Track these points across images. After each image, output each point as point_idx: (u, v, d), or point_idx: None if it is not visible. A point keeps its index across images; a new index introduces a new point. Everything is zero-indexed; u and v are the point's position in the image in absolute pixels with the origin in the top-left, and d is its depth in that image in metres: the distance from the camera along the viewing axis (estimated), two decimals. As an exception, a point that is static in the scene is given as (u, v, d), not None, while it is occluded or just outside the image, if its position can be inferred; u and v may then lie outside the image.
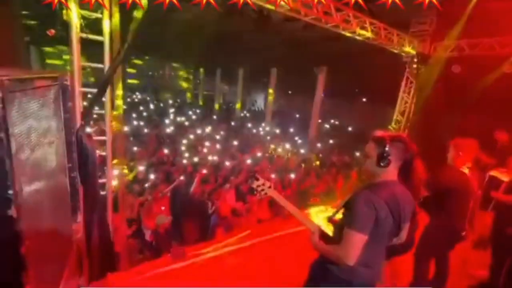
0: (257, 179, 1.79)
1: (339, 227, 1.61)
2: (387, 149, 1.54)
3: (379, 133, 1.65)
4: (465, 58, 5.77)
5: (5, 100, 0.72)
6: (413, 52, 6.44)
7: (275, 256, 3.45)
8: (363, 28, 5.18)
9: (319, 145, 10.81)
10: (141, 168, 5.67)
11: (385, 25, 5.62)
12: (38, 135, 0.95)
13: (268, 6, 4.15)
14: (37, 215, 0.99)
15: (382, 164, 1.56)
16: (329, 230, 1.75)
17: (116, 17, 2.80)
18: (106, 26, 2.77)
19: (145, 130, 9.37)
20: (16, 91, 0.81)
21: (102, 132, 3.09)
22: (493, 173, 3.36)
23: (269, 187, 1.80)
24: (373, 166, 1.61)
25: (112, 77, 2.75)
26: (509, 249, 2.77)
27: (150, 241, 4.53)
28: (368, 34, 5.32)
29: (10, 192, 0.73)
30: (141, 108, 14.24)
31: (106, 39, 2.80)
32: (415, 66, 6.64)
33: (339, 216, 1.68)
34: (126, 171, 3.87)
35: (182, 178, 5.51)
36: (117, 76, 2.98)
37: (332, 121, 17.14)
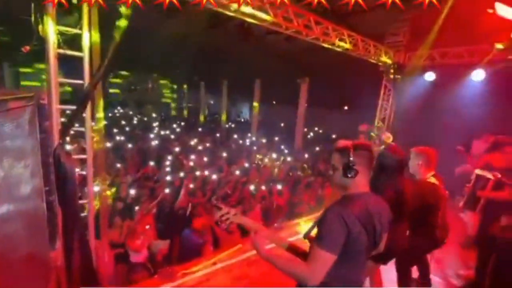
0: (220, 209, 1.68)
1: (312, 244, 1.50)
2: (351, 158, 1.47)
3: (342, 143, 1.57)
4: (437, 66, 6.11)
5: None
6: (390, 61, 6.75)
7: (270, 270, 3.37)
8: (341, 40, 5.38)
9: (306, 155, 10.92)
10: (125, 185, 5.45)
11: (362, 37, 5.87)
12: (11, 158, 0.88)
13: (249, 19, 4.24)
14: (10, 244, 0.90)
15: (349, 175, 1.48)
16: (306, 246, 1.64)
17: (96, 32, 2.75)
18: (85, 41, 2.71)
19: (129, 145, 9.10)
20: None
21: (82, 150, 2.96)
22: (479, 172, 3.47)
23: (234, 214, 1.68)
24: (340, 178, 1.52)
25: (93, 93, 2.67)
26: (492, 248, 2.86)
27: (139, 263, 4.30)
28: (347, 45, 5.53)
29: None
30: (123, 122, 13.90)
31: (85, 54, 2.72)
32: (391, 75, 6.94)
33: (314, 232, 1.56)
34: (108, 192, 3.70)
35: (167, 191, 5.35)
36: (98, 91, 2.89)
37: (316, 129, 17.48)
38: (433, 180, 2.54)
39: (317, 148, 12.27)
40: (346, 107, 16.12)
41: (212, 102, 19.90)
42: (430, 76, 6.30)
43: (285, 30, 4.65)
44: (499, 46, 4.12)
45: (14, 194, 0.96)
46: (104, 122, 3.08)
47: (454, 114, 5.63)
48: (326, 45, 5.32)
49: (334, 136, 16.10)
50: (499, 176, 3.17)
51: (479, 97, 5.12)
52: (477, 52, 4.92)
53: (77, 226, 2.72)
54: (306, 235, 1.62)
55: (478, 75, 5.23)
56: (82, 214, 3.13)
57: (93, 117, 2.85)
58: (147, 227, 4.63)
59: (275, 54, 8.19)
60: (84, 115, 2.86)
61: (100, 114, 2.90)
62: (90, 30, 2.72)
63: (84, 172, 3.10)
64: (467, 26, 4.09)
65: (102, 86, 2.99)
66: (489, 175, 3.41)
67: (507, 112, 4.28)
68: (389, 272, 2.76)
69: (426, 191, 2.47)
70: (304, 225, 4.88)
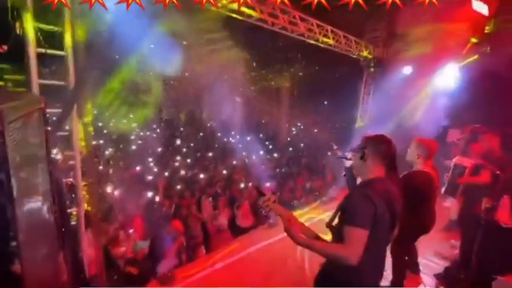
0: (263, 194, 1.76)
1: (337, 232, 1.60)
2: (363, 143, 1.71)
3: (365, 134, 1.81)
4: (414, 60, 6.40)
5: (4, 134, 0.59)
6: (370, 56, 6.98)
7: (268, 266, 3.40)
8: (325, 36, 5.48)
9: (290, 149, 11.06)
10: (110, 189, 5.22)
11: (344, 33, 6.01)
12: (29, 166, 0.79)
13: (235, 15, 4.19)
14: (37, 267, 0.82)
15: (360, 156, 1.69)
16: (327, 236, 1.75)
17: (80, 30, 2.57)
18: (68, 40, 2.53)
19: (109, 150, 8.71)
20: (13, 120, 0.67)
21: (69, 158, 2.78)
22: (456, 161, 3.71)
23: (274, 201, 1.75)
24: (356, 160, 1.75)
25: (80, 96, 2.51)
26: (477, 228, 3.07)
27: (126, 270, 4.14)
28: (330, 41, 5.65)
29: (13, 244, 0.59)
30: (100, 124, 13.21)
31: (69, 54, 2.55)
32: (372, 69, 7.19)
33: (336, 221, 1.67)
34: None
35: (150, 194, 5.19)
36: (85, 92, 2.72)
37: (298, 124, 17.71)
38: (427, 170, 2.66)
39: (302, 145, 12.45)
40: (325, 102, 16.47)
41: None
42: (407, 69, 6.60)
43: (271, 26, 4.65)
44: (474, 40, 4.40)
45: (31, 203, 0.88)
46: (91, 126, 2.90)
47: (431, 105, 5.94)
48: (310, 41, 5.39)
49: (316, 130, 16.47)
50: (478, 162, 3.39)
51: (454, 88, 5.44)
52: (454, 45, 5.22)
53: (67, 236, 2.57)
54: (329, 224, 1.70)
55: (453, 68, 5.56)
56: (72, 223, 2.96)
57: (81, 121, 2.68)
58: (131, 231, 4.45)
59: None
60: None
61: (88, 117, 2.73)
62: (72, 27, 2.54)
63: (71, 179, 2.92)
64: (445, 20, 4.32)
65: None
66: (465, 163, 3.67)
67: (483, 101, 4.58)
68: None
69: (422, 180, 2.60)
70: (299, 219, 4.95)
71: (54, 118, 2.55)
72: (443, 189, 3.97)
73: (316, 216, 5.08)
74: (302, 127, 17.85)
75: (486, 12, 3.67)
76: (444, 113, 5.49)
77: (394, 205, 1.64)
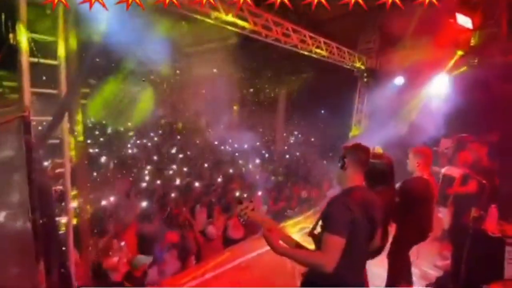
0: (241, 202, 1.81)
1: (319, 240, 1.62)
2: (343, 153, 1.75)
3: (344, 144, 1.86)
4: (405, 72, 6.53)
5: None
6: (363, 67, 7.11)
7: (259, 276, 3.36)
8: (318, 47, 5.60)
9: (287, 156, 11.09)
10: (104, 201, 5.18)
11: (337, 44, 6.15)
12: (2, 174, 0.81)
13: (230, 27, 4.29)
14: (6, 278, 0.82)
15: (340, 166, 1.73)
16: (309, 244, 1.77)
17: (73, 40, 2.63)
18: (61, 50, 2.58)
19: (103, 158, 8.69)
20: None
21: (58, 165, 2.79)
22: (445, 171, 3.76)
23: (252, 209, 1.79)
24: (336, 170, 1.78)
25: (71, 104, 2.54)
26: (466, 237, 3.08)
27: (117, 281, 4.05)
28: (323, 52, 5.77)
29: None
30: (97, 133, 13.23)
31: (61, 63, 2.60)
32: (365, 80, 7.31)
33: (318, 229, 1.69)
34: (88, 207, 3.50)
35: (144, 204, 5.14)
36: (76, 101, 2.76)
37: (296, 133, 17.80)
38: (426, 177, 2.73)
39: (297, 153, 12.49)
40: (322, 111, 16.62)
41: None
42: (399, 80, 6.72)
43: (265, 38, 4.76)
44: (460, 52, 4.53)
45: (2, 210, 0.89)
46: (82, 135, 2.92)
47: (422, 115, 6.02)
48: (304, 52, 5.51)
49: (312, 139, 16.55)
50: (466, 172, 3.43)
51: (445, 98, 5.54)
52: (443, 57, 5.36)
53: (54, 245, 2.55)
54: (310, 233, 1.73)
55: (442, 79, 5.67)
56: (60, 232, 2.94)
57: (71, 130, 2.70)
58: (122, 243, 4.38)
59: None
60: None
61: (79, 126, 2.75)
62: (66, 37, 2.60)
63: (61, 187, 2.92)
64: (433, 34, 4.45)
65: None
66: (454, 173, 3.72)
67: (472, 111, 4.67)
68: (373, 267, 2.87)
69: (420, 186, 2.65)
70: (291, 229, 4.93)
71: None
72: (433, 199, 4.00)
73: (309, 226, 5.05)
74: (299, 135, 17.98)
75: (470, 25, 3.79)
76: (436, 123, 5.56)
77: (373, 213, 1.67)
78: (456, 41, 4.52)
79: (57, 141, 2.85)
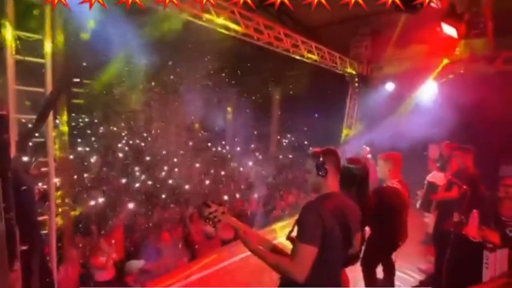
0: (208, 206, 1.70)
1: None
2: (321, 159, 1.65)
3: (313, 150, 1.75)
4: (396, 78, 6.65)
5: None
6: (354, 72, 7.20)
7: (247, 278, 3.34)
8: (310, 51, 5.66)
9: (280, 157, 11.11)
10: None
11: (329, 49, 6.23)
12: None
13: (221, 30, 4.31)
14: None
15: (321, 173, 1.63)
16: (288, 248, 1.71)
17: (60, 38, 2.62)
18: (47, 48, 2.56)
19: (94, 157, 8.58)
20: None
21: (42, 164, 2.75)
22: (429, 178, 3.84)
23: (222, 212, 1.71)
24: (314, 178, 1.66)
25: (55, 102, 2.52)
26: (448, 242, 3.13)
27: (105, 282, 3.99)
28: (315, 57, 5.83)
29: None
30: (89, 131, 13.06)
31: (47, 61, 2.58)
32: (356, 85, 7.41)
33: (295, 233, 1.61)
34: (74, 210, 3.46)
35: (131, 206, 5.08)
36: (61, 99, 2.73)
37: (289, 136, 17.87)
38: (396, 185, 2.73)
39: (290, 156, 12.54)
40: (316, 115, 16.73)
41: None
42: (390, 86, 6.83)
43: (257, 41, 4.80)
44: (446, 61, 4.63)
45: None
46: (66, 134, 2.89)
47: (412, 121, 6.12)
48: (296, 56, 5.56)
49: (306, 142, 16.64)
50: (450, 178, 3.49)
51: (432, 104, 5.65)
52: (431, 65, 5.47)
53: (36, 245, 2.51)
54: (288, 236, 1.68)
55: (431, 86, 5.79)
56: (43, 232, 2.89)
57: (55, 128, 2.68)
58: (113, 241, 4.34)
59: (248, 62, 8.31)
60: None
61: (64, 126, 2.73)
62: (52, 35, 2.59)
63: (45, 186, 2.88)
64: (422, 42, 4.55)
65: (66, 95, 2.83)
66: (438, 181, 3.77)
67: (460, 118, 4.76)
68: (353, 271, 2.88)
69: (390, 195, 2.65)
70: (280, 232, 4.94)
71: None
72: (418, 204, 4.07)
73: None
74: (293, 138, 18.05)
75: (455, 35, 3.90)
76: (424, 128, 5.66)
77: (349, 219, 1.62)
78: (442, 50, 4.62)
79: (42, 139, 2.83)
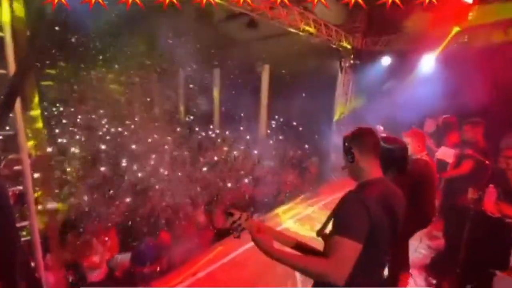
0: (231, 215, 1.49)
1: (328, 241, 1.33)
2: (347, 144, 1.49)
3: (346, 132, 1.56)
4: (392, 51, 6.41)
5: None
6: (349, 46, 6.89)
7: (255, 272, 3.15)
8: (307, 24, 5.26)
9: (271, 141, 10.87)
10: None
11: (325, 22, 5.84)
12: None
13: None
14: None
15: (349, 159, 1.47)
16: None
17: (20, 11, 2.09)
18: (6, 16, 2.04)
19: (72, 149, 7.94)
20: None
21: (14, 162, 2.31)
22: (439, 156, 3.72)
23: (246, 219, 1.49)
24: (348, 165, 1.50)
25: (21, 86, 2.05)
26: (461, 219, 3.05)
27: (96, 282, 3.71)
28: (312, 29, 5.44)
29: None
30: (65, 121, 12.09)
31: (6, 34, 2.06)
32: (352, 60, 7.12)
33: (329, 229, 1.40)
34: (59, 205, 3.06)
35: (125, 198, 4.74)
36: (30, 83, 2.25)
37: (276, 117, 17.55)
38: (426, 158, 2.61)
39: (281, 137, 12.32)
40: (303, 94, 16.43)
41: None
42: (386, 60, 6.60)
43: (251, 12, 4.33)
44: (457, 29, 4.39)
45: None
46: (41, 123, 2.43)
47: (409, 96, 5.97)
48: (291, 29, 5.15)
49: (294, 123, 16.44)
50: (463, 152, 3.38)
51: (432, 78, 5.50)
52: (433, 35, 5.23)
53: (16, 256, 2.14)
54: (320, 233, 1.46)
55: (429, 59, 5.60)
56: (23, 239, 2.51)
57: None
58: (106, 238, 4.06)
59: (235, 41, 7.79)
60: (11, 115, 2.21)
61: (36, 111, 2.26)
62: (11, 2, 2.06)
63: (21, 188, 2.45)
64: (426, 9, 4.24)
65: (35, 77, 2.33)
66: (448, 158, 3.69)
67: (458, 91, 4.63)
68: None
69: (422, 167, 2.52)
70: (283, 215, 4.78)
71: None
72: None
73: (302, 211, 4.93)
74: (281, 119, 17.77)
75: (470, 0, 3.63)
76: (423, 103, 5.53)
77: (396, 209, 1.42)
78: (454, 17, 4.35)
79: (12, 132, 2.36)
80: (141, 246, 3.98)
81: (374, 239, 1.28)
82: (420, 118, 5.41)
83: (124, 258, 3.93)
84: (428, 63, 5.49)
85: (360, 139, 1.48)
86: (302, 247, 1.56)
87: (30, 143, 2.31)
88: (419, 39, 5.19)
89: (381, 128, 5.27)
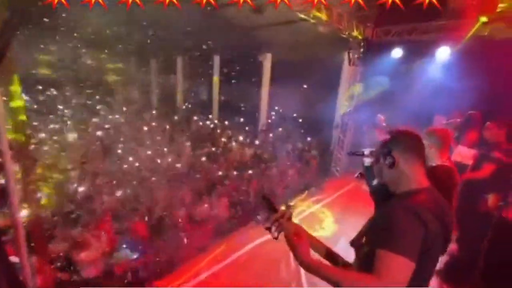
0: (276, 210, 1.30)
1: (366, 255, 1.20)
2: (386, 149, 1.32)
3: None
4: (405, 43, 6.10)
5: None
6: (360, 37, 6.56)
7: (260, 271, 2.97)
8: (319, 10, 4.93)
9: (271, 134, 10.62)
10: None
11: (337, 10, 5.51)
12: None
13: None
14: None
15: (387, 164, 1.30)
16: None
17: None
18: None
19: (69, 135, 7.62)
20: None
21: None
22: (455, 158, 3.50)
23: (289, 218, 1.29)
24: (386, 171, 1.32)
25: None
26: (481, 226, 2.87)
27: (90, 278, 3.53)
28: (323, 16, 5.11)
29: None
30: (60, 107, 11.66)
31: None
32: (361, 50, 6.79)
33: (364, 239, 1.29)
34: (45, 200, 2.81)
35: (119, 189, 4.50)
36: (9, 67, 1.93)
37: (276, 108, 17.20)
38: (448, 164, 2.36)
39: (280, 129, 12.06)
40: (305, 86, 16.06)
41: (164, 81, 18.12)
42: (397, 52, 6.30)
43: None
44: (483, 19, 4.08)
45: None
46: (24, 115, 2.13)
47: (420, 90, 5.72)
48: (302, 15, 4.81)
49: (295, 115, 16.13)
50: (498, 155, 3.15)
51: (445, 73, 5.24)
52: (445, 28, 4.93)
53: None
54: (355, 242, 1.33)
55: (444, 52, 5.31)
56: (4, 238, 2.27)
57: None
58: (103, 233, 3.87)
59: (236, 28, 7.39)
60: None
61: (18, 102, 1.96)
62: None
63: (2, 181, 2.19)
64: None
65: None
66: (465, 160, 3.47)
67: (473, 88, 4.38)
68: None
69: (442, 175, 2.27)
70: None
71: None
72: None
73: (306, 209, 4.74)
74: (281, 111, 17.41)
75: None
76: (434, 99, 5.29)
77: (448, 221, 1.25)
78: (481, 5, 4.02)
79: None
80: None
81: (428, 254, 1.14)
82: (431, 114, 5.20)
83: (130, 255, 3.73)
84: (444, 56, 5.21)
85: (402, 141, 1.31)
86: (332, 256, 1.44)
87: (11, 134, 2.02)
88: (436, 30, 4.87)
89: (382, 117, 5.02)
